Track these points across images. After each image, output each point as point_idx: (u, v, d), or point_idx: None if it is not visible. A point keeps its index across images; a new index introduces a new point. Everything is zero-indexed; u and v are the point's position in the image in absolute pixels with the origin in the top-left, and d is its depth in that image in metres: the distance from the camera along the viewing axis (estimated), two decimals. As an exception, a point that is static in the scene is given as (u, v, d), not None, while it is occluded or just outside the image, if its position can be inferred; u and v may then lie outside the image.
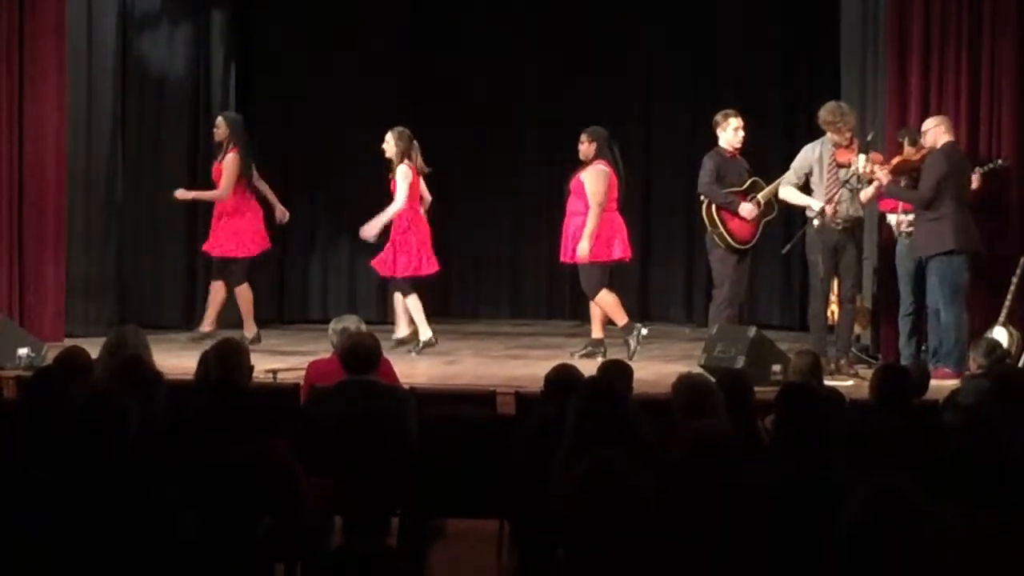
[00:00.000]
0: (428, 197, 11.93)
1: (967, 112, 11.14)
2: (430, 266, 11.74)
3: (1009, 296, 10.74)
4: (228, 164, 11.87)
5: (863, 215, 11.00)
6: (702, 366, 9.82)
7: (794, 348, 9.76)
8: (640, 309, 15.06)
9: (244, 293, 12.06)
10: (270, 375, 9.49)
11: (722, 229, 11.23)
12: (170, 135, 14.16)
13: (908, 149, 10.96)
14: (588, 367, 7.81)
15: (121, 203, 13.63)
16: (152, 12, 14.03)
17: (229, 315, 12.39)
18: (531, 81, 15.07)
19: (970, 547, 4.11)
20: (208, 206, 12.50)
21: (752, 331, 10.24)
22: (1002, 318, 10.71)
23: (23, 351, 10.53)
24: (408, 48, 15.35)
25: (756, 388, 7.13)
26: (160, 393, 6.26)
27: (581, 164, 11.59)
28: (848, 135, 10.82)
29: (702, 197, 11.37)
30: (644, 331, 11.47)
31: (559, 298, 14.93)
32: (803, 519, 4.74)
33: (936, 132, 10.68)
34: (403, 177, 11.55)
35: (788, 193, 11.08)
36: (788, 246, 11.16)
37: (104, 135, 13.38)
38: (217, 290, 12.15)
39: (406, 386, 8.03)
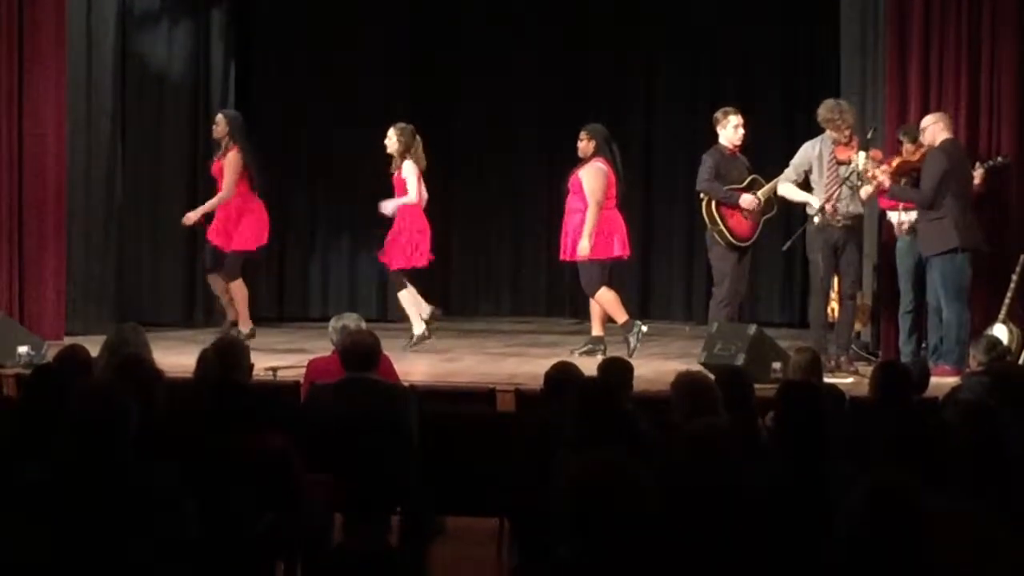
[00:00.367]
0: (425, 195, 11.92)
1: (967, 109, 11.14)
2: (419, 259, 11.71)
3: (1009, 293, 10.74)
4: (230, 162, 11.82)
5: (863, 212, 11.00)
6: (702, 364, 9.82)
7: (794, 346, 9.76)
8: (640, 306, 15.08)
9: (239, 288, 12.02)
10: (270, 373, 9.48)
11: (722, 226, 11.22)
12: (170, 134, 14.17)
13: (908, 147, 10.96)
14: (588, 365, 7.82)
15: (121, 201, 13.64)
16: (152, 11, 14.04)
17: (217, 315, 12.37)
18: (531, 79, 15.07)
19: (970, 544, 4.11)
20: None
21: (752, 329, 10.23)
22: (1002, 315, 10.71)
23: (23, 349, 10.53)
24: (408, 47, 15.36)
25: (756, 386, 7.13)
26: (159, 392, 6.26)
27: (579, 162, 11.59)
28: (847, 132, 10.82)
29: (702, 194, 11.37)
30: (644, 328, 11.47)
31: (559, 296, 14.94)
32: (803, 516, 4.74)
33: (935, 129, 10.68)
34: (411, 172, 11.56)
35: (787, 190, 11.08)
36: (788, 243, 11.15)
37: (104, 134, 13.38)
38: (216, 282, 12.10)
39: (406, 384, 8.04)
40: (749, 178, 11.36)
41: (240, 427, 6.04)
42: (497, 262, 15.66)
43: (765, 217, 11.39)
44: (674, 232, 15.02)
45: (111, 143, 13.47)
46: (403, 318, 11.93)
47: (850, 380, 10.01)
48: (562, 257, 11.68)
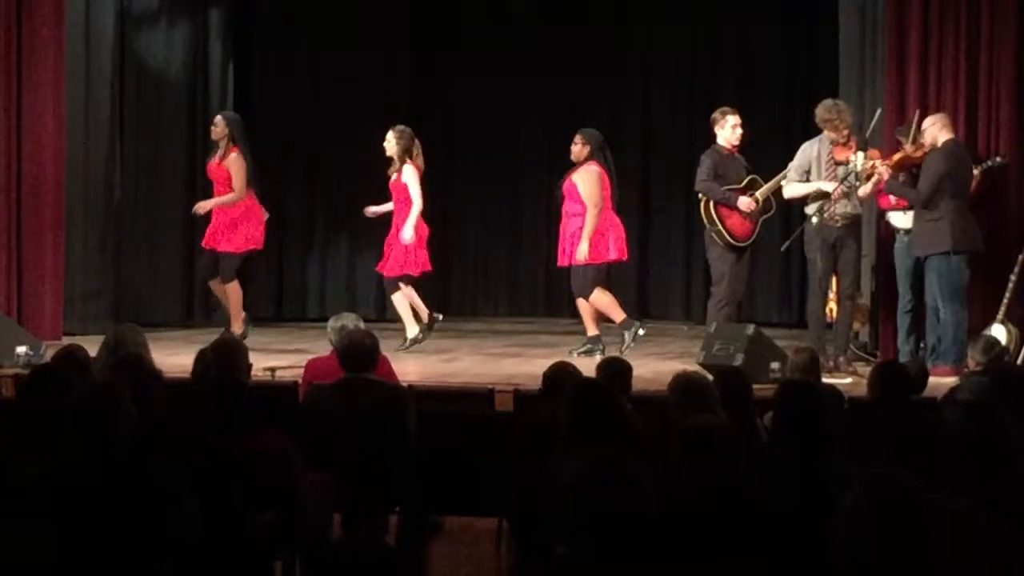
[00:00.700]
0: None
1: (965, 109, 11.13)
2: (418, 266, 11.70)
3: (1007, 293, 10.74)
4: (235, 165, 11.73)
5: (861, 212, 11.00)
6: (700, 364, 9.82)
7: (792, 346, 9.76)
8: (638, 307, 15.09)
9: (234, 289, 11.99)
10: (268, 373, 9.48)
11: (720, 226, 11.22)
12: (168, 133, 14.18)
13: (908, 147, 10.96)
14: (587, 365, 7.82)
15: (119, 201, 13.64)
16: (150, 11, 14.05)
17: (225, 314, 12.37)
18: (530, 80, 15.07)
19: (969, 543, 4.11)
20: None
21: (750, 329, 10.23)
22: (1000, 315, 10.71)
23: (22, 349, 10.52)
24: (407, 48, 15.38)
25: (754, 385, 7.13)
26: (158, 392, 6.26)
27: (573, 166, 11.58)
28: (845, 132, 10.82)
29: (700, 194, 11.37)
30: (641, 331, 11.45)
31: (557, 296, 14.94)
32: (802, 516, 4.74)
33: (934, 130, 10.67)
34: (412, 177, 11.54)
35: (794, 189, 11.02)
36: (787, 243, 11.15)
37: (102, 134, 13.38)
38: (216, 288, 12.09)
39: (404, 384, 8.04)
40: (747, 178, 11.36)
41: (239, 427, 6.04)
42: (495, 263, 15.67)
43: (763, 217, 11.39)
44: (672, 232, 15.03)
45: (109, 143, 13.48)
46: (398, 318, 11.92)
47: (848, 380, 10.01)
48: (560, 263, 11.66)
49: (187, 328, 13.42)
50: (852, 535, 3.75)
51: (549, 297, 15.26)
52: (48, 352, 9.85)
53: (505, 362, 11.35)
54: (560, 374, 6.82)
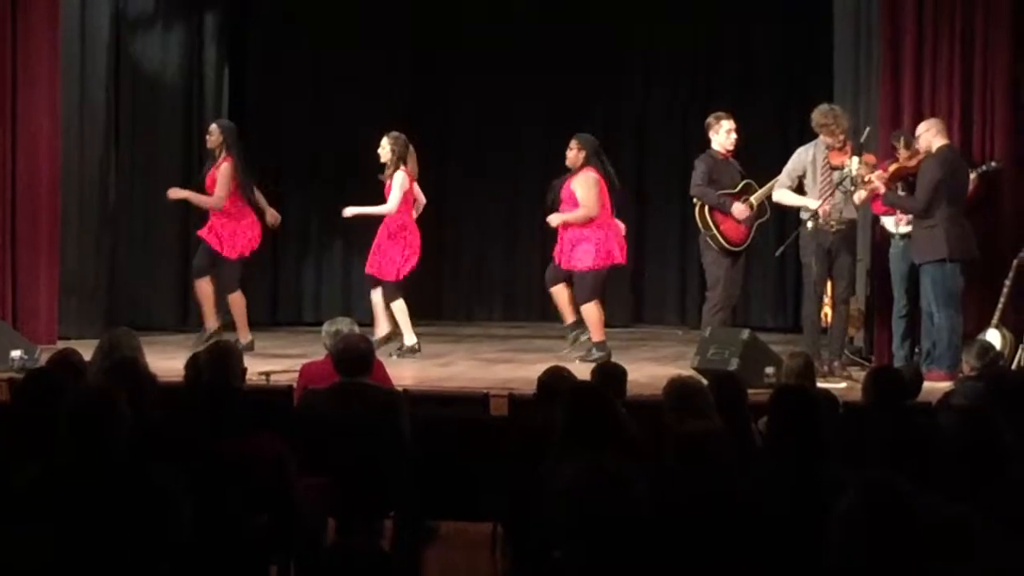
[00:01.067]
0: (422, 200, 11.94)
1: (960, 114, 11.13)
2: (407, 268, 11.71)
3: (1002, 299, 10.74)
4: (223, 173, 11.75)
5: (857, 217, 11.00)
6: (695, 368, 9.82)
7: (787, 350, 9.76)
8: (634, 311, 15.12)
9: (237, 300, 11.95)
10: (263, 377, 9.48)
11: (715, 231, 11.22)
12: (163, 137, 14.17)
13: (902, 152, 10.96)
14: (582, 370, 7.82)
15: (114, 205, 13.64)
16: (145, 14, 14.04)
17: (224, 318, 12.37)
18: (527, 83, 15.07)
19: (963, 548, 4.11)
20: (201, 213, 12.39)
21: (745, 333, 10.23)
22: (995, 320, 10.71)
23: (16, 353, 10.51)
24: (403, 52, 15.38)
25: (749, 390, 7.13)
26: (154, 395, 6.26)
27: (567, 172, 11.57)
28: (841, 137, 10.83)
29: (695, 199, 11.37)
30: (600, 355, 11.34)
31: (552, 300, 14.93)
32: (796, 521, 4.74)
33: (929, 136, 10.67)
34: (399, 184, 11.55)
35: (783, 195, 11.07)
36: (781, 248, 11.15)
37: (97, 137, 13.38)
38: (201, 287, 12.03)
39: (399, 388, 8.04)
40: (742, 183, 11.36)
41: (233, 431, 6.04)
42: (490, 267, 15.66)
43: (758, 222, 11.39)
44: (667, 236, 15.03)
45: (105, 147, 13.47)
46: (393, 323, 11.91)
47: (843, 385, 10.01)
48: (564, 266, 11.64)
49: (182, 332, 13.39)
50: (846, 540, 3.75)
51: (544, 302, 15.21)
52: (43, 356, 9.85)
53: (500, 367, 11.35)
54: (555, 379, 6.82)
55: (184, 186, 13.10)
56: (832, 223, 10.70)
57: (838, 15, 12.46)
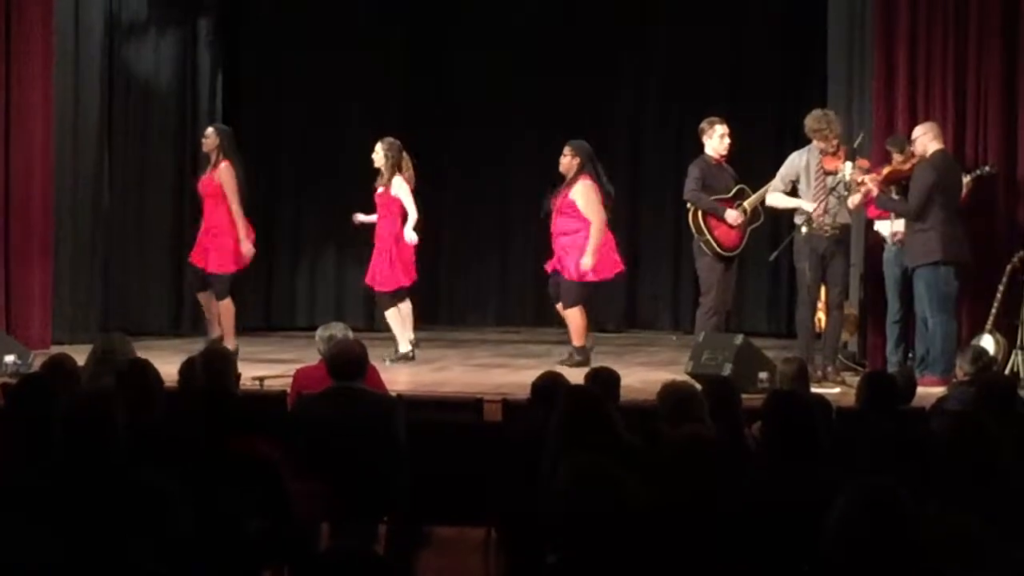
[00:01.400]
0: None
1: (954, 119, 11.15)
2: (407, 279, 11.71)
3: (996, 304, 10.75)
4: (226, 178, 11.66)
5: (851, 222, 11.02)
6: (689, 373, 9.82)
7: (781, 355, 9.76)
8: (627, 316, 15.12)
9: (227, 306, 11.94)
10: (257, 382, 9.47)
11: (709, 236, 11.23)
12: (157, 143, 14.17)
13: (897, 157, 10.97)
14: (575, 375, 7.82)
15: (108, 210, 13.63)
16: (139, 20, 14.04)
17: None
18: (521, 88, 15.08)
19: (957, 552, 4.11)
20: (195, 217, 12.39)
21: (739, 338, 10.24)
22: (989, 325, 10.72)
23: (10, 358, 10.52)
24: (397, 57, 15.38)
25: (743, 395, 7.14)
26: (162, 399, 6.26)
27: (562, 179, 11.56)
28: (835, 142, 10.84)
29: (688, 204, 11.37)
30: (577, 359, 11.30)
31: (546, 306, 14.90)
32: (790, 525, 4.74)
33: (924, 140, 10.69)
34: (403, 190, 11.54)
35: (777, 199, 11.08)
36: (775, 253, 11.16)
37: (91, 143, 13.38)
38: (202, 299, 12.04)
39: (393, 393, 8.03)
40: (736, 188, 11.37)
41: (227, 436, 6.04)
42: (484, 272, 15.66)
43: (752, 227, 11.40)
44: (661, 242, 15.03)
45: (98, 152, 13.47)
46: (387, 329, 11.91)
47: (837, 390, 10.02)
48: (565, 275, 11.62)
49: (176, 337, 13.39)
50: (840, 544, 3.76)
51: (538, 307, 15.24)
52: (36, 361, 9.85)
53: (494, 372, 11.35)
54: (549, 384, 6.82)
55: (177, 193, 13.14)
56: (826, 228, 10.71)
57: (832, 20, 12.48)
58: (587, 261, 11.35)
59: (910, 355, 10.96)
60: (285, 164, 15.18)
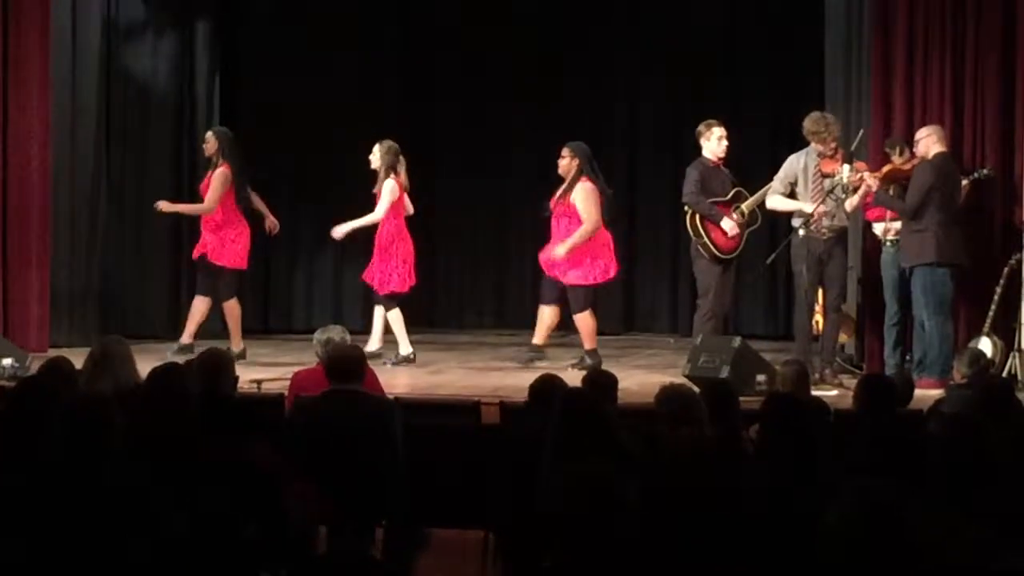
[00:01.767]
0: (410, 210, 11.92)
1: (951, 121, 11.15)
2: (408, 282, 11.72)
3: (993, 306, 10.76)
4: (216, 178, 11.75)
5: (848, 224, 11.02)
6: (687, 376, 9.82)
7: (778, 358, 9.76)
8: (625, 319, 15.11)
9: (233, 308, 11.97)
10: (254, 385, 9.47)
11: (706, 239, 11.23)
12: (155, 146, 14.16)
13: (896, 159, 10.98)
14: (574, 378, 7.81)
15: (105, 213, 13.62)
16: (136, 22, 14.03)
17: (213, 326, 12.37)
18: (518, 91, 15.07)
19: (953, 555, 4.12)
20: (195, 218, 12.41)
21: (737, 341, 10.23)
22: (986, 328, 10.72)
23: (7, 362, 10.51)
24: (394, 61, 15.39)
25: (740, 398, 7.13)
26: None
27: (561, 182, 11.55)
28: (833, 145, 10.85)
29: (686, 207, 11.37)
30: (589, 362, 11.33)
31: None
32: (788, 527, 4.74)
33: (928, 142, 10.69)
34: (388, 191, 11.55)
35: (776, 202, 11.08)
36: (772, 256, 11.17)
37: (88, 146, 13.36)
38: (199, 304, 12.06)
39: (390, 396, 8.03)
40: (733, 191, 11.37)
41: (225, 439, 6.03)
42: (482, 275, 15.66)
43: (749, 230, 11.40)
44: (659, 244, 15.03)
45: (95, 155, 13.46)
46: (387, 331, 11.90)
47: (834, 392, 10.02)
48: (550, 273, 11.64)
49: (174, 340, 13.37)
50: (838, 546, 3.76)
51: (535, 310, 15.21)
52: (34, 364, 9.84)
53: (491, 375, 11.35)
54: (546, 387, 6.82)
55: (177, 195, 13.12)
56: (823, 230, 10.72)
57: (829, 22, 12.47)
58: (560, 251, 11.33)
59: (908, 357, 10.96)
60: (282, 167, 15.15)
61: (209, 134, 12.13)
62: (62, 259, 13.00)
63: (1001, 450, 5.04)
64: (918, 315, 10.72)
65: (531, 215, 12.10)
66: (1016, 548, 4.26)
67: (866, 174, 10.72)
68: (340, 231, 11.81)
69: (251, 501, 5.74)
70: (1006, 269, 10.79)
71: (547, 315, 11.70)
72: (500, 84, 15.11)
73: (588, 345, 11.52)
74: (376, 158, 11.65)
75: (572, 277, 11.44)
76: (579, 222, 11.38)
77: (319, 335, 8.47)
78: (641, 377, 10.78)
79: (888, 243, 11.11)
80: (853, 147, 10.95)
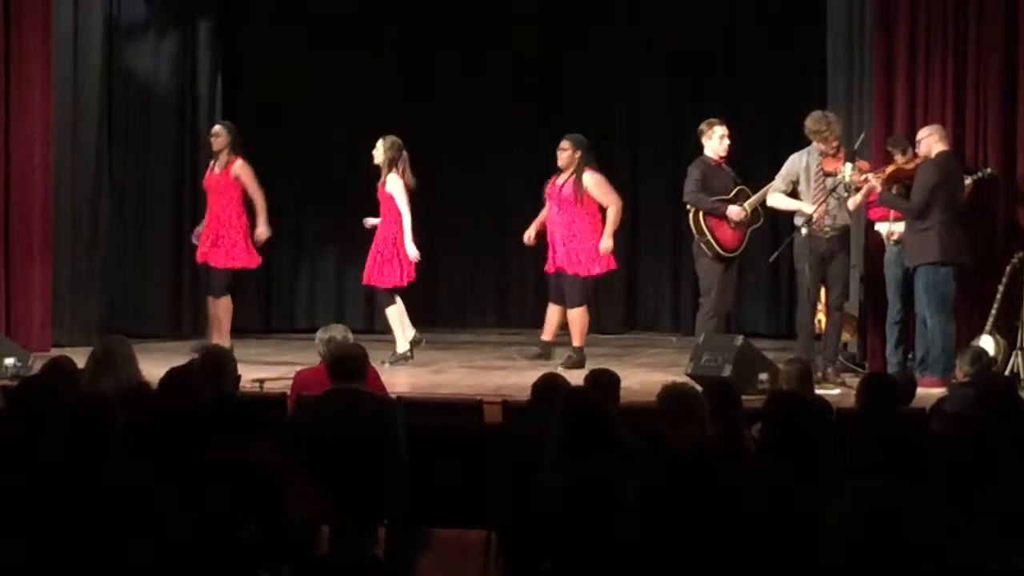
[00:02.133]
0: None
1: (953, 120, 11.14)
2: (407, 278, 11.72)
3: (995, 305, 10.75)
4: (245, 172, 11.82)
5: (851, 223, 11.02)
6: (689, 375, 9.82)
7: (781, 357, 9.76)
8: (627, 317, 15.10)
9: (224, 304, 11.99)
10: (257, 384, 9.47)
11: (709, 237, 11.22)
12: (157, 145, 14.17)
13: (899, 158, 10.97)
14: (575, 377, 7.81)
15: (107, 213, 13.62)
16: (138, 22, 14.04)
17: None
18: (518, 91, 15.06)
19: (955, 554, 4.11)
20: (198, 215, 12.44)
21: (739, 340, 10.23)
22: (988, 326, 10.72)
23: (9, 361, 10.52)
24: (395, 60, 15.38)
25: (743, 397, 7.13)
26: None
27: (560, 172, 11.56)
28: (835, 144, 10.85)
29: (688, 205, 11.37)
30: (575, 359, 11.34)
31: (546, 307, 14.91)
32: (790, 527, 4.74)
33: (930, 141, 10.69)
34: (397, 188, 11.53)
35: (777, 200, 11.09)
36: (775, 254, 11.16)
37: (90, 146, 13.37)
38: (224, 303, 12.09)
39: (393, 395, 8.03)
40: (735, 189, 11.37)
41: (227, 438, 6.03)
42: (484, 274, 15.66)
43: (752, 228, 11.40)
44: (660, 244, 15.02)
45: (97, 155, 13.47)
46: (388, 330, 11.90)
47: (837, 391, 10.02)
48: (548, 269, 11.65)
49: (176, 339, 13.38)
50: (838, 547, 3.76)
51: (538, 309, 15.20)
52: (36, 364, 9.84)
53: (494, 374, 11.35)
54: (549, 386, 6.81)
55: (177, 195, 13.14)
56: (826, 229, 10.72)
57: (831, 22, 12.47)
58: (607, 243, 11.37)
59: (910, 356, 10.95)
60: (284, 166, 15.14)
61: (219, 128, 12.17)
62: (64, 258, 13.01)
63: (1003, 449, 5.03)
64: (920, 313, 10.72)
65: (531, 215, 12.09)
66: (1017, 548, 4.26)
67: (871, 175, 10.71)
68: (410, 248, 11.62)
69: (251, 501, 5.74)
70: (1008, 268, 10.79)
71: (555, 313, 11.70)
72: (500, 84, 15.10)
73: (577, 342, 11.51)
74: (379, 153, 11.63)
75: (576, 265, 11.44)
76: (575, 210, 11.40)
77: (321, 334, 8.47)
78: (643, 376, 10.78)
79: (891, 242, 11.10)
80: (856, 146, 10.95)
